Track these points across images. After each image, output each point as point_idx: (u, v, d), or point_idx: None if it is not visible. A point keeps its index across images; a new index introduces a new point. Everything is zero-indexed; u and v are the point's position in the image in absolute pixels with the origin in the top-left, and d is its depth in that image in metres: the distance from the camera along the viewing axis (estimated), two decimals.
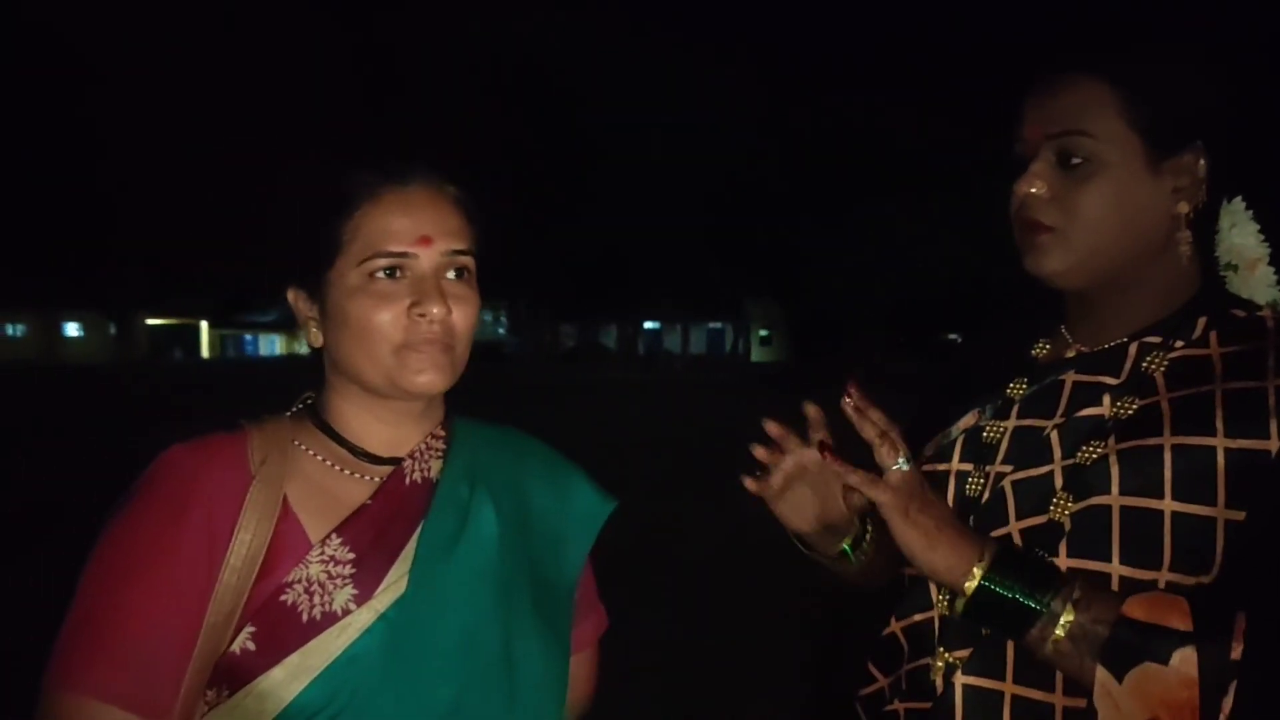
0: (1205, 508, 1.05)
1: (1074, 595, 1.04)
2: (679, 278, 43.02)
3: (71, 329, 47.10)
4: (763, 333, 55.32)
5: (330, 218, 1.18)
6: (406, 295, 1.17)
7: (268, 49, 30.51)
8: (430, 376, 1.18)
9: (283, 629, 1.11)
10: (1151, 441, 1.09)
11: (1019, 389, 1.25)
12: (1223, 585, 1.04)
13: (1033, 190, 1.17)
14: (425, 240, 1.18)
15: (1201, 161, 1.15)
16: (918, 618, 1.22)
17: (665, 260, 41.11)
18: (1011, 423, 1.23)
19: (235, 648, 1.10)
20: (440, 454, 1.26)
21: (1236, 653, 0.97)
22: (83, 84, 32.62)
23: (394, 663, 1.12)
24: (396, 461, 1.23)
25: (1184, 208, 1.16)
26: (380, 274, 1.16)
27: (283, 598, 1.12)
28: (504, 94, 36.59)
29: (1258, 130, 1.18)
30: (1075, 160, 1.15)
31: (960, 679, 1.14)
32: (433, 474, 1.24)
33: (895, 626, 1.25)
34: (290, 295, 1.24)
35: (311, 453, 1.21)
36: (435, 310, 1.16)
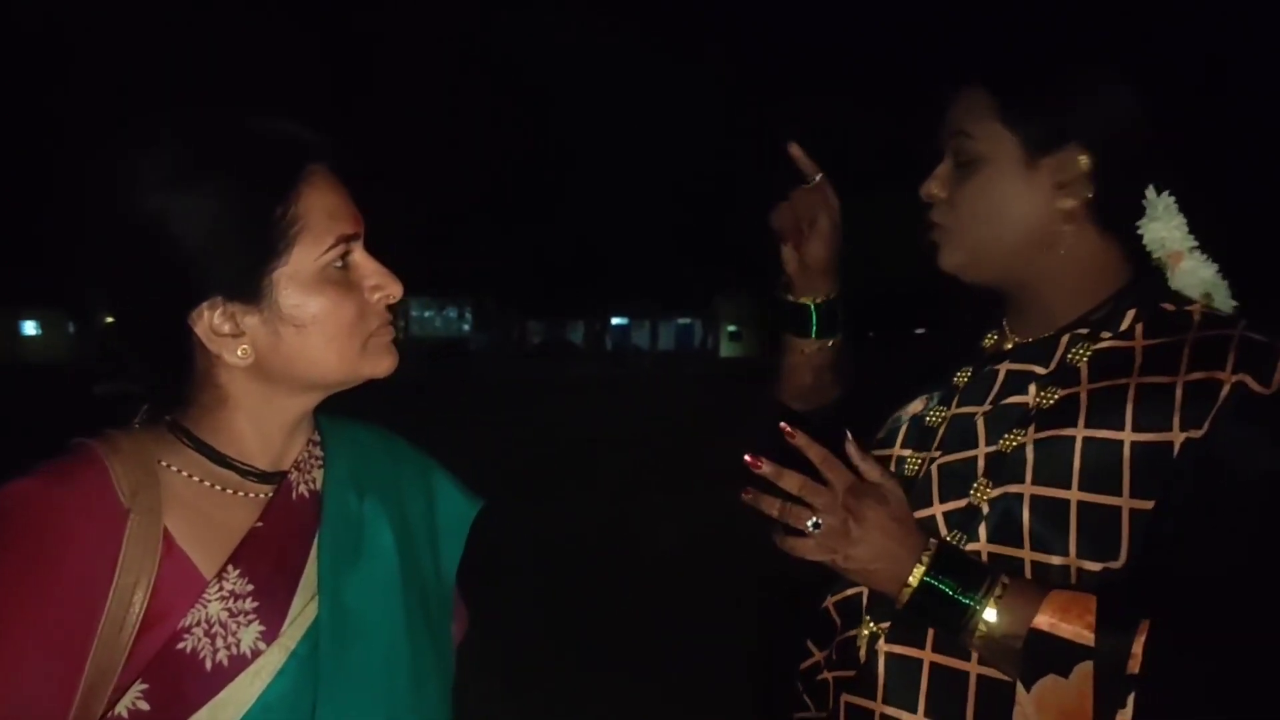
0: (1110, 497, 1.11)
1: (997, 594, 1.09)
2: (648, 273, 43.06)
3: (29, 327, 46.35)
4: (731, 328, 55.38)
5: (271, 207, 1.01)
6: (360, 278, 1.08)
7: (239, 45, 30.20)
8: (395, 357, 1.10)
9: (184, 681, 0.97)
10: (1066, 432, 1.15)
11: (963, 378, 1.31)
12: (1132, 576, 1.09)
13: (928, 190, 1.27)
14: (359, 217, 1.08)
15: (1081, 158, 1.21)
16: (849, 592, 1.28)
17: (634, 255, 41.13)
18: (951, 410, 1.29)
19: (121, 710, 0.95)
20: (320, 462, 1.14)
21: (1134, 667, 1.00)
22: (43, 78, 32.13)
23: (319, 701, 1.01)
24: (281, 476, 1.10)
25: (1069, 202, 1.22)
26: (337, 261, 1.05)
27: (180, 645, 0.97)
28: (474, 90, 36.42)
29: (1157, 131, 1.23)
30: (963, 160, 1.24)
31: (883, 647, 1.20)
32: (317, 485, 1.12)
33: (828, 602, 1.32)
34: (204, 318, 1.02)
35: (185, 474, 1.05)
36: (397, 291, 1.09)
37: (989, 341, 1.34)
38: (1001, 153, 1.22)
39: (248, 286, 1.02)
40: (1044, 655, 1.04)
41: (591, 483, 9.66)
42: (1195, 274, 1.25)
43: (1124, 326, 1.22)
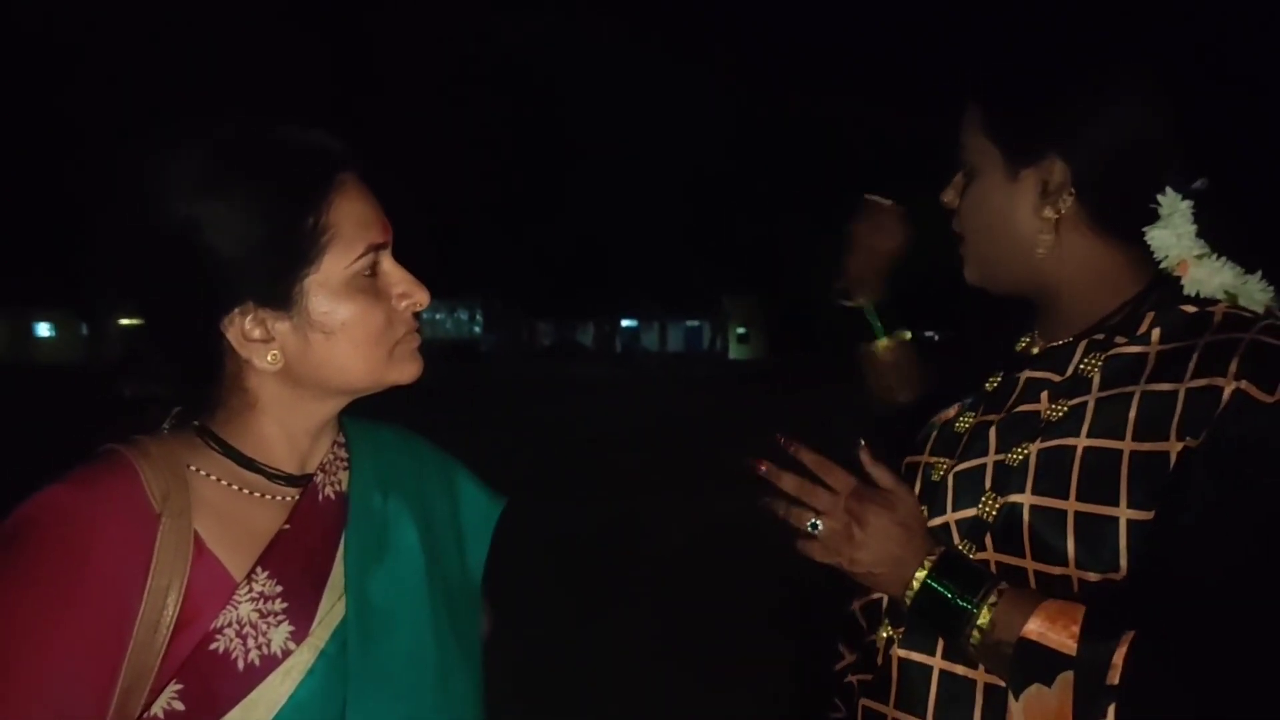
0: (1108, 508, 1.09)
1: (992, 601, 1.09)
2: (657, 275, 43.04)
3: (43, 329, 46.53)
4: (740, 330, 55.40)
5: (303, 216, 1.03)
6: (388, 286, 1.10)
7: (247, 48, 30.28)
8: (420, 362, 1.13)
9: (217, 681, 0.99)
10: (1068, 441, 1.15)
11: (993, 383, 1.31)
12: (1124, 587, 1.08)
13: (944, 199, 1.31)
14: (387, 225, 1.10)
15: (1057, 168, 1.20)
16: (873, 596, 1.29)
17: (643, 257, 41.10)
18: (978, 416, 1.29)
19: (156, 710, 0.97)
20: (345, 464, 1.16)
21: (1114, 677, 1.00)
22: (54, 81, 32.29)
23: (349, 698, 1.03)
24: (307, 479, 1.12)
25: (1049, 212, 1.21)
26: (366, 269, 1.07)
27: (213, 646, 0.99)
28: (482, 91, 36.45)
29: (1160, 135, 1.21)
30: (965, 171, 1.28)
31: (896, 652, 1.22)
32: (343, 487, 1.14)
33: (855, 606, 1.34)
34: (235, 323, 1.04)
35: (214, 478, 1.06)
36: (424, 299, 1.11)
37: (1022, 345, 1.34)
38: (988, 165, 1.24)
39: (279, 293, 1.04)
40: (1031, 664, 1.05)
41: (602, 482, 9.67)
42: (1210, 281, 1.21)
43: (1141, 330, 1.19)
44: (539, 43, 37.24)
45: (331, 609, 1.06)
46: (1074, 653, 1.02)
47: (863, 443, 1.19)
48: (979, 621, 1.09)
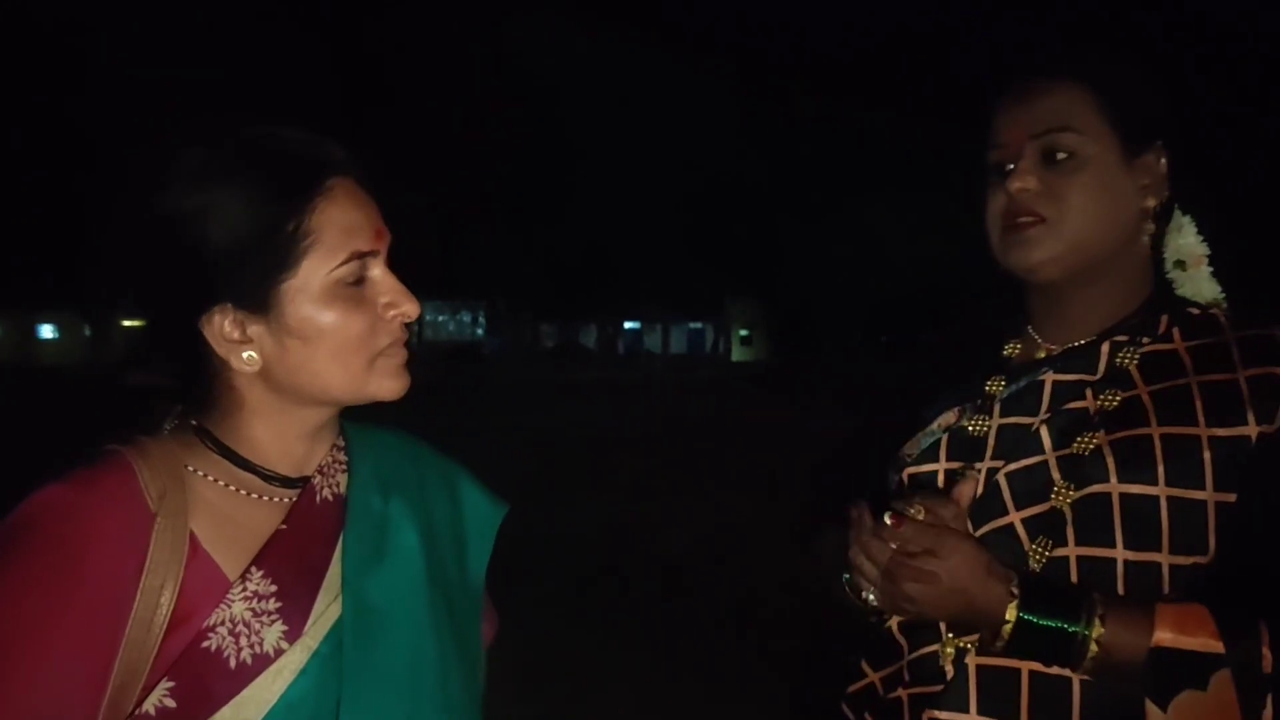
0: (1196, 492, 1.12)
1: (1099, 613, 1.09)
2: (660, 277, 43.02)
3: (46, 330, 46.58)
4: (743, 332, 55.36)
5: (284, 220, 1.01)
6: (375, 295, 1.07)
7: (252, 52, 30.31)
8: (405, 379, 1.10)
9: (208, 679, 0.99)
10: (1141, 431, 1.16)
11: (997, 387, 1.29)
12: (1231, 572, 1.11)
13: (1025, 186, 1.23)
14: (382, 233, 1.08)
15: (1163, 160, 1.25)
16: None
17: (646, 260, 41.09)
18: (996, 420, 1.27)
19: (148, 707, 0.97)
20: (344, 466, 1.16)
21: (1267, 664, 1.04)
22: (59, 86, 32.35)
23: (343, 699, 1.03)
24: (305, 481, 1.12)
25: (1151, 202, 1.25)
26: (350, 277, 1.05)
27: (205, 644, 0.99)
28: (486, 94, 36.49)
29: (1209, 134, 1.26)
30: (1061, 156, 1.22)
31: (973, 660, 1.18)
32: (341, 489, 1.14)
33: (891, 622, 1.28)
34: (214, 322, 1.04)
35: (211, 478, 1.07)
36: (413, 310, 1.09)
37: (1013, 350, 1.33)
38: (1105, 150, 1.22)
39: (256, 296, 1.03)
40: (1177, 671, 1.06)
41: (606, 485, 9.66)
42: (1207, 276, 1.28)
43: (1161, 330, 1.24)
44: (543, 47, 37.25)
45: (326, 610, 1.06)
46: (1223, 651, 1.05)
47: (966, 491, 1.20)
48: (1093, 643, 1.09)
